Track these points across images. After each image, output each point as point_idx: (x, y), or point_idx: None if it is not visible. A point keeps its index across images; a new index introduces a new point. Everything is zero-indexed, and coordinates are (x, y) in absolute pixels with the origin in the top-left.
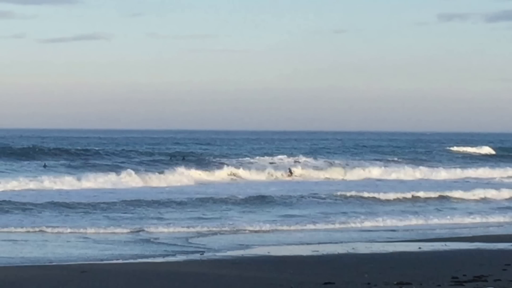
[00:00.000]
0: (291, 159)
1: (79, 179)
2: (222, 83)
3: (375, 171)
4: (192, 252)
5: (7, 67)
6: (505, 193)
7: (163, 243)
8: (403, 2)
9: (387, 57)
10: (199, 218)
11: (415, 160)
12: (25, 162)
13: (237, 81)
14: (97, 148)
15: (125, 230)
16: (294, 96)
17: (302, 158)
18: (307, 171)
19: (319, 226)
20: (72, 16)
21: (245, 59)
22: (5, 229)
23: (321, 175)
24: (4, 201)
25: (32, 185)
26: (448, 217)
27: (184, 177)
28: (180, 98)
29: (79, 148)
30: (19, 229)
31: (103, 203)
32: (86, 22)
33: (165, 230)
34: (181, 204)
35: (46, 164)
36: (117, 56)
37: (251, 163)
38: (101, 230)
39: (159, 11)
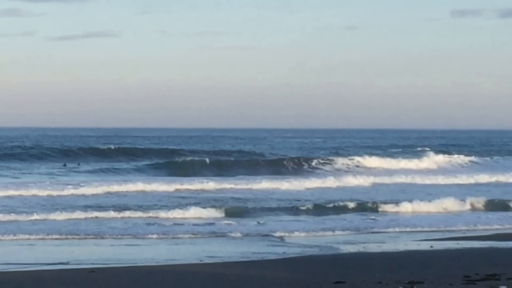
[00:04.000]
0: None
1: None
2: (232, 80)
3: None
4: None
5: (16, 65)
6: None
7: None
8: None
9: (399, 53)
10: None
11: None
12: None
13: (246, 78)
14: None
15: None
16: (305, 93)
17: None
18: None
19: None
20: (81, 13)
21: (255, 56)
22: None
23: None
24: None
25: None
26: None
27: None
28: (189, 96)
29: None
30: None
31: None
32: (95, 20)
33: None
34: None
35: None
36: (127, 54)
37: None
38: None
39: (168, 8)
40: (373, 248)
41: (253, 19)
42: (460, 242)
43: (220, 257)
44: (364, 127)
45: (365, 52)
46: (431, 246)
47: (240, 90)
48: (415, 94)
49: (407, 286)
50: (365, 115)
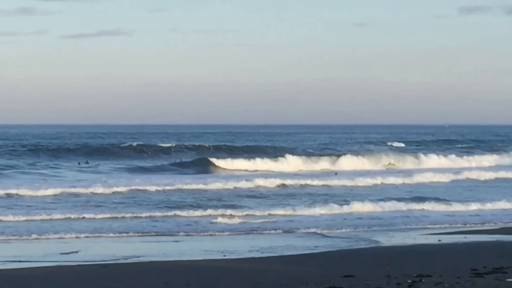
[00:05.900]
0: None
1: None
2: (243, 77)
3: None
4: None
5: (30, 63)
6: None
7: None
8: None
9: (407, 50)
10: None
11: None
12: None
13: (257, 75)
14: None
15: None
16: (315, 90)
17: None
18: None
19: None
20: (94, 12)
21: (266, 53)
22: None
23: None
24: None
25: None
26: None
27: None
28: (201, 93)
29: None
30: None
31: None
32: (108, 18)
33: None
34: None
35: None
36: (139, 52)
37: None
38: None
39: (180, 6)
40: (383, 242)
41: (264, 17)
42: (467, 235)
43: (239, 252)
44: (370, 123)
45: (374, 49)
46: (439, 240)
47: (250, 86)
48: (423, 90)
49: (415, 279)
50: (373, 111)
